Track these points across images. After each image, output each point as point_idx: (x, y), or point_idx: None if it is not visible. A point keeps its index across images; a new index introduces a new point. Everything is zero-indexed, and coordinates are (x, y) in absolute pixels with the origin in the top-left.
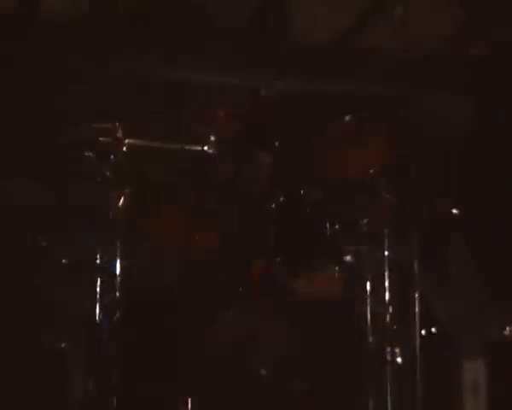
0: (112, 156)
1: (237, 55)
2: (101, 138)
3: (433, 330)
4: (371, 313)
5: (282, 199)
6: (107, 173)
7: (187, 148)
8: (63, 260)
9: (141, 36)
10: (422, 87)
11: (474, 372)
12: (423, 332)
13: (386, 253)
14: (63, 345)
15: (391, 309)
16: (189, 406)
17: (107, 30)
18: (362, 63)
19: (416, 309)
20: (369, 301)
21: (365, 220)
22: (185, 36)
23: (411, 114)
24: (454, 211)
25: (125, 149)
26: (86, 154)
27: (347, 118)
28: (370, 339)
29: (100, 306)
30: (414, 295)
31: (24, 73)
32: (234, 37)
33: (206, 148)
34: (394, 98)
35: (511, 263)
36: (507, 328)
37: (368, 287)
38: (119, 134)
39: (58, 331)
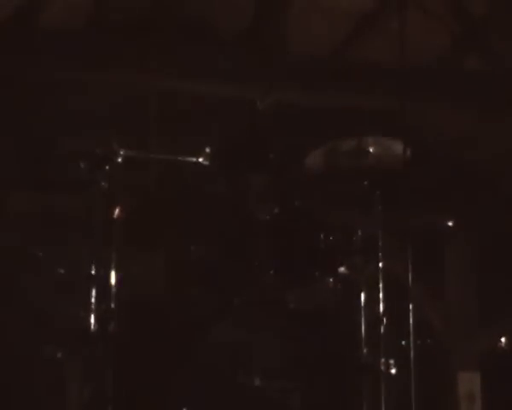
0: (107, 167)
1: (233, 68)
2: (96, 149)
3: (429, 341)
4: (366, 325)
5: (276, 211)
6: (103, 184)
7: (182, 159)
8: (59, 270)
9: (137, 47)
10: (419, 100)
11: (469, 383)
12: (418, 343)
13: (380, 264)
14: (59, 355)
15: (385, 321)
16: None
17: (103, 41)
18: (358, 76)
19: (411, 321)
20: (363, 312)
21: (360, 232)
22: (181, 48)
23: (409, 126)
24: (449, 224)
25: (120, 160)
26: (81, 165)
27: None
28: (365, 350)
29: (95, 316)
30: (408, 307)
31: (19, 82)
32: (230, 49)
33: (200, 160)
34: (391, 111)
35: (505, 274)
36: (501, 339)
37: (362, 298)
38: (114, 145)
39: (54, 341)
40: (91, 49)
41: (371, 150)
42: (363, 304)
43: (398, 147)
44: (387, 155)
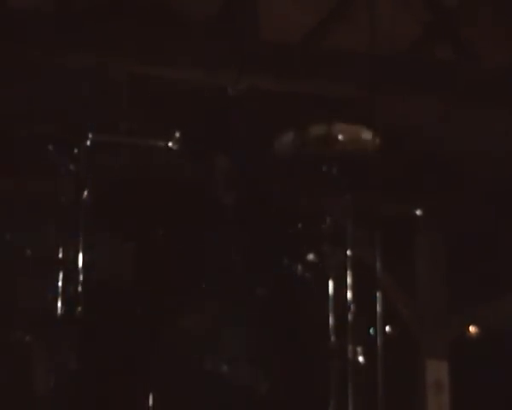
0: (75, 150)
1: (204, 52)
2: (64, 133)
3: (396, 329)
4: (334, 313)
5: (243, 197)
6: (71, 167)
7: (151, 143)
8: (27, 252)
9: (106, 31)
10: (390, 88)
11: (437, 371)
12: (386, 330)
13: (348, 252)
14: (27, 338)
15: (353, 308)
16: (151, 402)
17: (72, 23)
18: (329, 63)
19: (378, 309)
20: (331, 300)
21: (328, 219)
22: (151, 31)
23: (378, 115)
24: (417, 212)
25: (88, 143)
26: (50, 147)
27: None
28: (332, 338)
29: (62, 299)
30: (376, 295)
31: None
32: (201, 33)
33: (170, 144)
34: (363, 99)
35: (474, 262)
36: (470, 328)
37: (330, 286)
38: (84, 128)
39: (21, 325)
40: (61, 31)
41: (340, 137)
42: (331, 292)
43: (367, 134)
44: (356, 142)
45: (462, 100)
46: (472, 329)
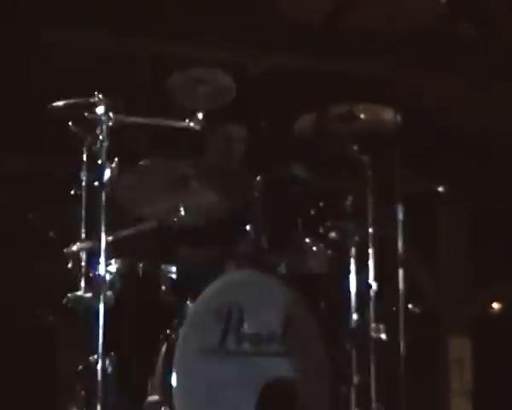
0: (98, 131)
1: (224, 31)
2: (86, 113)
3: (420, 306)
4: (356, 290)
5: (265, 176)
6: (94, 147)
7: (173, 124)
8: (50, 234)
9: (127, 10)
10: (414, 66)
11: (459, 348)
12: (409, 308)
13: (370, 230)
14: (51, 318)
15: (375, 286)
16: None
17: (92, 1)
18: (350, 42)
19: (401, 286)
20: (353, 277)
21: (350, 197)
22: (171, 10)
23: (401, 93)
24: (440, 189)
25: (110, 123)
26: (72, 128)
27: None
28: (355, 316)
29: (85, 280)
30: (398, 272)
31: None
32: (222, 12)
33: (192, 124)
34: (382, 77)
35: (497, 239)
36: (493, 305)
37: (352, 264)
38: (105, 109)
39: (45, 304)
40: (77, 9)
41: (362, 116)
42: (353, 270)
43: (388, 113)
44: (378, 121)
45: (486, 77)
46: (494, 305)
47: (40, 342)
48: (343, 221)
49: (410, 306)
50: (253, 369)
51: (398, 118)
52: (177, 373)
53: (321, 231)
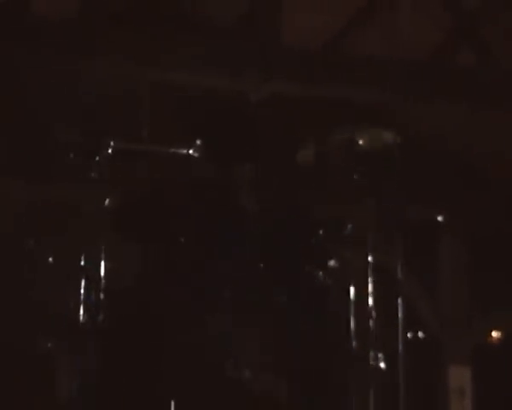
0: (97, 158)
1: (226, 57)
2: (86, 140)
3: (420, 334)
4: (355, 318)
5: (265, 204)
6: (92, 175)
7: (172, 151)
8: (49, 259)
9: (128, 37)
10: (409, 94)
11: (459, 378)
12: (409, 336)
13: (369, 258)
14: (49, 345)
15: (375, 314)
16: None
17: (94, 30)
18: (350, 69)
19: (400, 314)
20: (352, 305)
21: (350, 225)
22: (172, 37)
23: (401, 119)
24: (439, 218)
25: (110, 151)
26: (71, 155)
27: None
28: (354, 344)
29: (84, 307)
30: (398, 300)
31: (11, 70)
32: (225, 39)
33: (191, 152)
34: (382, 104)
35: (497, 267)
36: (493, 333)
37: (352, 292)
38: (105, 136)
39: (43, 331)
40: (80, 37)
41: (362, 142)
42: (352, 298)
43: (388, 139)
44: (378, 147)
45: (485, 103)
46: (495, 334)
47: (39, 369)
48: (343, 249)
49: (409, 334)
50: None
51: (399, 144)
52: None
53: (320, 259)
